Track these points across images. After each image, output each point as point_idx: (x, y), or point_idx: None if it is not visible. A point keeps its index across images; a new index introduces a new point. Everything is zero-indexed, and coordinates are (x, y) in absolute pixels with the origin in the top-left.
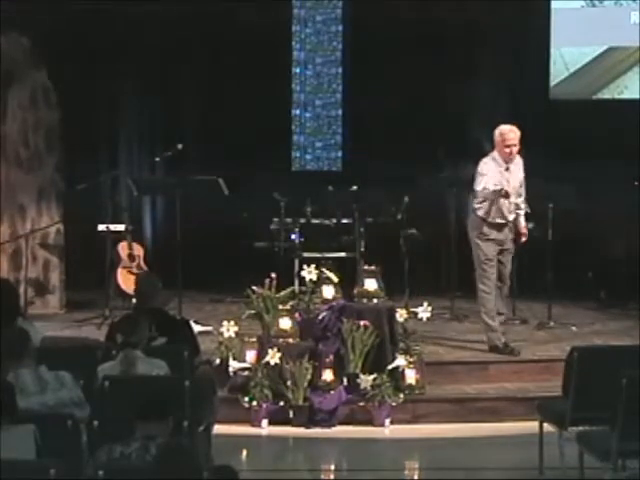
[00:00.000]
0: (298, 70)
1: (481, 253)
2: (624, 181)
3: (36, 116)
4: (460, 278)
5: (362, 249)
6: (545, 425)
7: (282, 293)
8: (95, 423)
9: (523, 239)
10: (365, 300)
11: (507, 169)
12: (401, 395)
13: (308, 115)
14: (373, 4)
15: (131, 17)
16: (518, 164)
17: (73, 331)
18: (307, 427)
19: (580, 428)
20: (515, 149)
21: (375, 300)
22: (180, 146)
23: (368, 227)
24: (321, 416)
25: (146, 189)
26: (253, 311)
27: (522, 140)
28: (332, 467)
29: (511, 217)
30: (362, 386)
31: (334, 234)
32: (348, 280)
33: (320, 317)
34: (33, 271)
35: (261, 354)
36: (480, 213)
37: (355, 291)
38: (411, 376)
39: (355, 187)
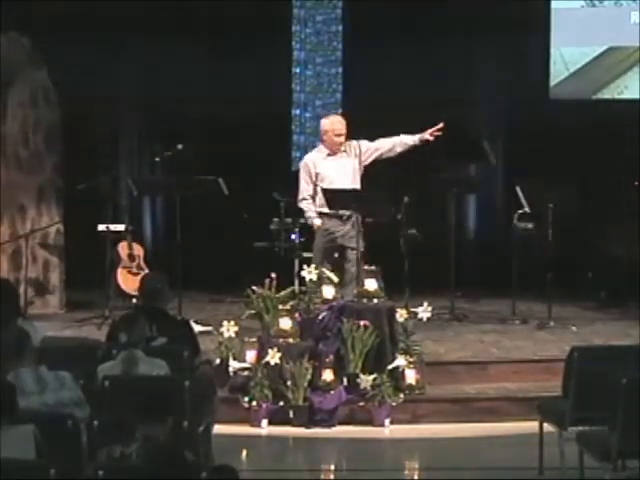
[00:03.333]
0: (298, 70)
1: None
2: (624, 181)
3: (36, 116)
4: (460, 278)
5: (362, 249)
6: (545, 425)
7: (282, 293)
8: (95, 423)
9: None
10: (365, 300)
11: (342, 156)
12: (401, 395)
13: (308, 115)
14: (373, 4)
15: (131, 17)
16: (351, 149)
17: (73, 331)
18: (307, 427)
19: (580, 428)
20: (343, 138)
21: (375, 300)
22: (180, 146)
23: (368, 227)
24: (321, 416)
25: (146, 189)
26: (253, 311)
27: (521, 140)
28: (332, 467)
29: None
30: (362, 386)
31: None
32: None
33: (320, 317)
34: (33, 271)
35: (261, 354)
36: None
37: (355, 291)
38: (411, 376)
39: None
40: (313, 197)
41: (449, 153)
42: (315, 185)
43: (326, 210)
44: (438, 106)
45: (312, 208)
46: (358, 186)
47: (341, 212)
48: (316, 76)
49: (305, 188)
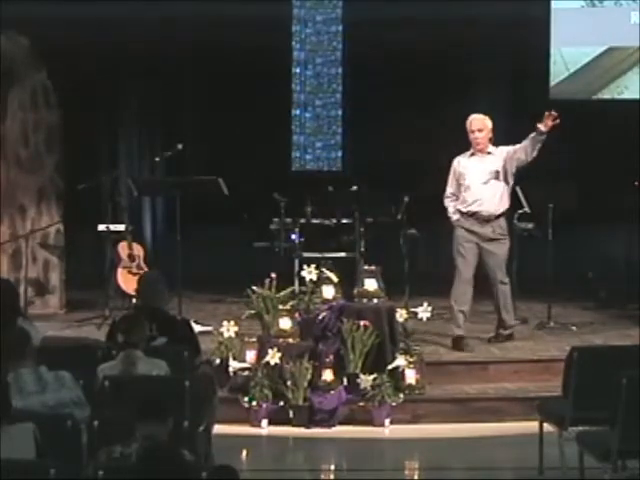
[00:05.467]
0: (298, 70)
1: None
2: (624, 181)
3: (36, 116)
4: None
5: (362, 249)
6: (545, 425)
7: (282, 293)
8: (95, 423)
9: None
10: (365, 300)
11: (485, 157)
12: (401, 395)
13: (308, 115)
14: (373, 3)
15: (131, 17)
16: (498, 154)
17: (73, 331)
18: (307, 427)
19: (580, 428)
20: (480, 135)
21: (375, 300)
22: (180, 146)
23: (368, 227)
24: (321, 416)
25: (146, 189)
26: (253, 311)
27: (521, 140)
28: (332, 467)
29: (476, 208)
30: (362, 386)
31: (334, 234)
32: (348, 280)
33: (320, 317)
34: (33, 271)
35: (261, 354)
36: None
37: (355, 291)
38: (411, 376)
39: (355, 187)
40: (456, 194)
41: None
42: (459, 184)
43: (465, 209)
44: (438, 106)
45: (452, 205)
46: (496, 190)
47: (482, 213)
48: (316, 76)
49: (449, 185)
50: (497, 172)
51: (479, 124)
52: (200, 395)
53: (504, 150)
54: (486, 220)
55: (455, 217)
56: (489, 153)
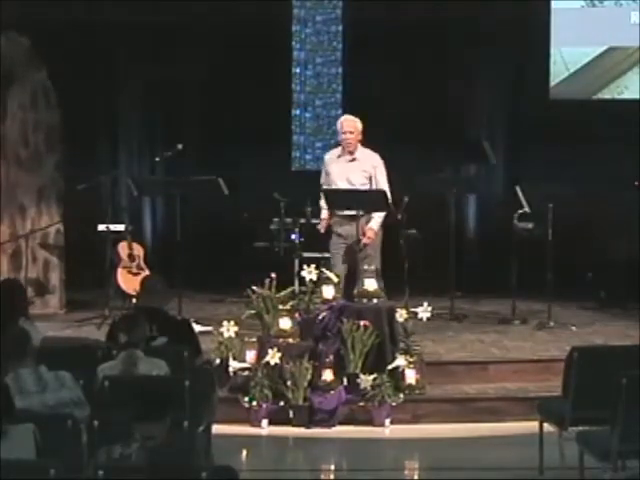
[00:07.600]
0: (298, 70)
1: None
2: (624, 181)
3: (36, 116)
4: (460, 278)
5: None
6: (545, 425)
7: (282, 293)
8: (95, 423)
9: (364, 240)
10: (365, 300)
11: (352, 160)
12: (401, 395)
13: (308, 115)
14: (373, 4)
15: (131, 17)
16: (367, 158)
17: (73, 331)
18: (307, 427)
19: (580, 428)
20: (350, 137)
21: (375, 300)
22: (180, 146)
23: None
24: (321, 416)
25: (146, 189)
26: (253, 311)
27: (521, 140)
28: (332, 467)
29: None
30: (362, 386)
31: None
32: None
33: (320, 317)
34: (33, 271)
35: (261, 354)
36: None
37: (355, 291)
38: (411, 376)
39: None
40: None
41: (449, 153)
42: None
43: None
44: (438, 107)
45: (322, 204)
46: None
47: (346, 212)
48: (316, 76)
49: (321, 183)
50: (358, 178)
51: (350, 126)
52: (200, 395)
53: (373, 160)
54: (352, 218)
55: (323, 215)
56: (354, 159)
